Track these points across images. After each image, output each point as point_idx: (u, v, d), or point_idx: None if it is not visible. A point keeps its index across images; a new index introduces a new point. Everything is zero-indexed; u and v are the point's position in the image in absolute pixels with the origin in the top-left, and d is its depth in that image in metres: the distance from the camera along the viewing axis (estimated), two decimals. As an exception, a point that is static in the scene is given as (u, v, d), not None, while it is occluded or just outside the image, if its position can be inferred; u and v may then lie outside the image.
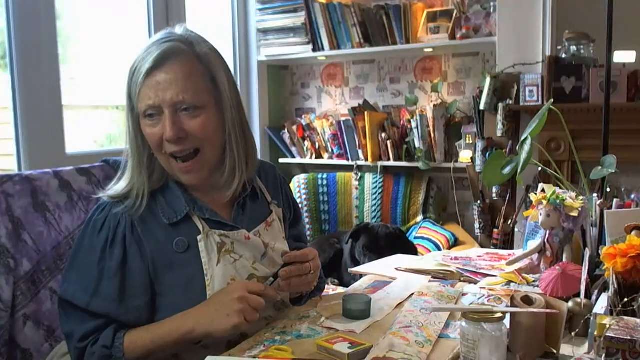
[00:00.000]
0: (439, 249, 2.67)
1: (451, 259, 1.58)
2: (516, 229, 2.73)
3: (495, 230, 2.87)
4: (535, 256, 1.40)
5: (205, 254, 1.18)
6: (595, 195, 1.40)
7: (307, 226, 3.28)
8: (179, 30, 1.20)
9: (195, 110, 1.15)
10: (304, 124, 3.47)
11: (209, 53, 1.20)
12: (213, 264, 1.18)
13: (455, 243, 2.84)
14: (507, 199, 2.82)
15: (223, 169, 1.23)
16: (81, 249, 1.19)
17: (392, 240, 2.71)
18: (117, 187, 1.22)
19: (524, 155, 1.42)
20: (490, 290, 1.28)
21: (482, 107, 2.79)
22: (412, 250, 2.77)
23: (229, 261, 1.20)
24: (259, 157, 1.35)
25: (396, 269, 1.56)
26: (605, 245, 1.25)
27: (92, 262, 1.16)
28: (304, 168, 3.65)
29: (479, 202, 2.93)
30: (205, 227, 1.20)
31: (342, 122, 3.30)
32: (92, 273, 1.16)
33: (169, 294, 1.17)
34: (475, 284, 1.38)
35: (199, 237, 1.18)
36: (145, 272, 1.17)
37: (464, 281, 1.42)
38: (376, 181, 3.25)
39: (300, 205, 3.25)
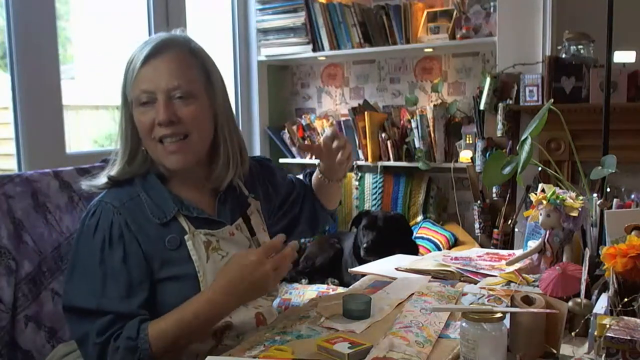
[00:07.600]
0: (439, 249, 2.67)
1: (451, 259, 1.58)
2: (516, 229, 2.73)
3: (495, 230, 2.87)
4: (535, 256, 1.39)
5: (195, 252, 1.20)
6: (595, 195, 1.40)
7: (307, 226, 3.27)
8: (175, 32, 1.26)
9: (188, 98, 1.19)
10: (304, 124, 3.47)
11: (203, 50, 1.26)
12: (203, 261, 1.21)
13: (455, 243, 2.84)
14: (507, 199, 2.82)
15: (216, 161, 1.26)
16: (79, 255, 1.19)
17: (390, 223, 2.72)
18: (101, 179, 1.26)
19: (524, 155, 1.42)
20: (490, 290, 1.28)
21: (482, 107, 2.79)
22: (410, 232, 2.82)
23: (217, 258, 1.23)
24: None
25: (396, 269, 1.56)
26: (605, 245, 1.25)
27: (94, 265, 1.16)
28: (304, 168, 3.65)
29: (479, 202, 2.93)
30: (190, 228, 1.22)
31: (342, 122, 3.30)
32: (96, 275, 1.16)
33: (164, 291, 1.18)
34: (475, 284, 1.38)
35: (186, 237, 1.21)
36: (145, 269, 1.18)
37: (464, 281, 1.42)
38: (376, 181, 3.25)
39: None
